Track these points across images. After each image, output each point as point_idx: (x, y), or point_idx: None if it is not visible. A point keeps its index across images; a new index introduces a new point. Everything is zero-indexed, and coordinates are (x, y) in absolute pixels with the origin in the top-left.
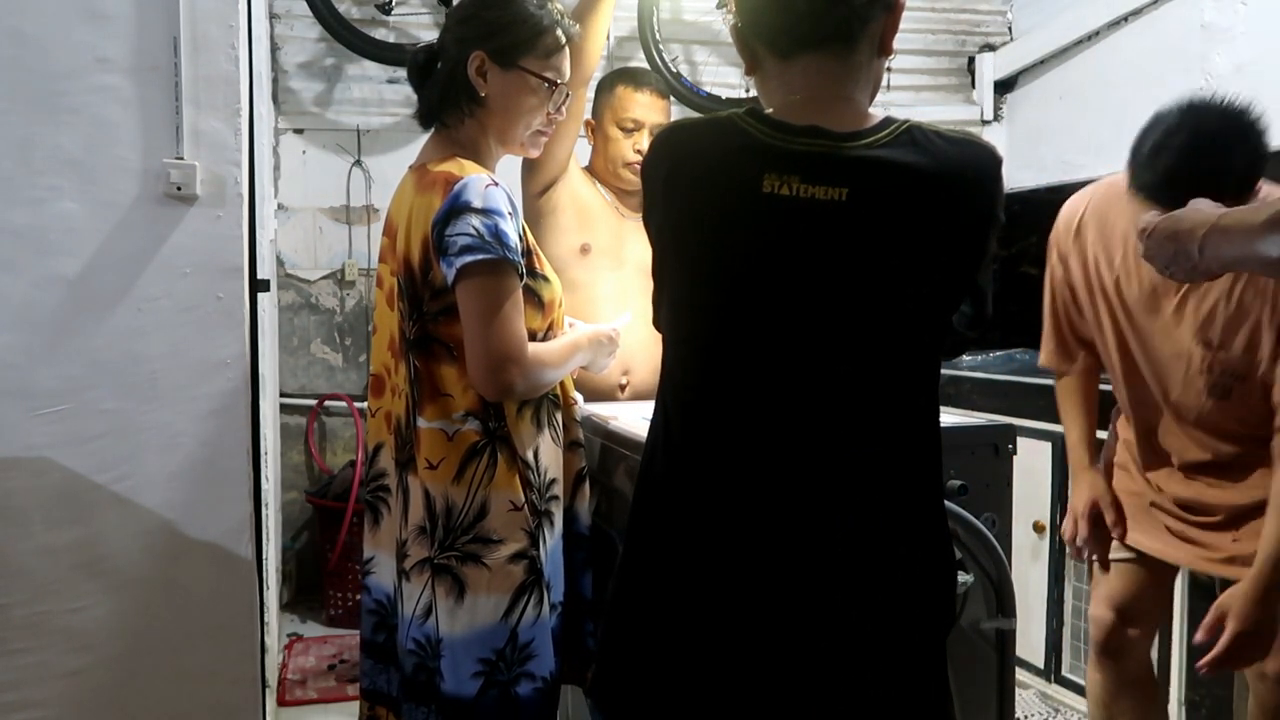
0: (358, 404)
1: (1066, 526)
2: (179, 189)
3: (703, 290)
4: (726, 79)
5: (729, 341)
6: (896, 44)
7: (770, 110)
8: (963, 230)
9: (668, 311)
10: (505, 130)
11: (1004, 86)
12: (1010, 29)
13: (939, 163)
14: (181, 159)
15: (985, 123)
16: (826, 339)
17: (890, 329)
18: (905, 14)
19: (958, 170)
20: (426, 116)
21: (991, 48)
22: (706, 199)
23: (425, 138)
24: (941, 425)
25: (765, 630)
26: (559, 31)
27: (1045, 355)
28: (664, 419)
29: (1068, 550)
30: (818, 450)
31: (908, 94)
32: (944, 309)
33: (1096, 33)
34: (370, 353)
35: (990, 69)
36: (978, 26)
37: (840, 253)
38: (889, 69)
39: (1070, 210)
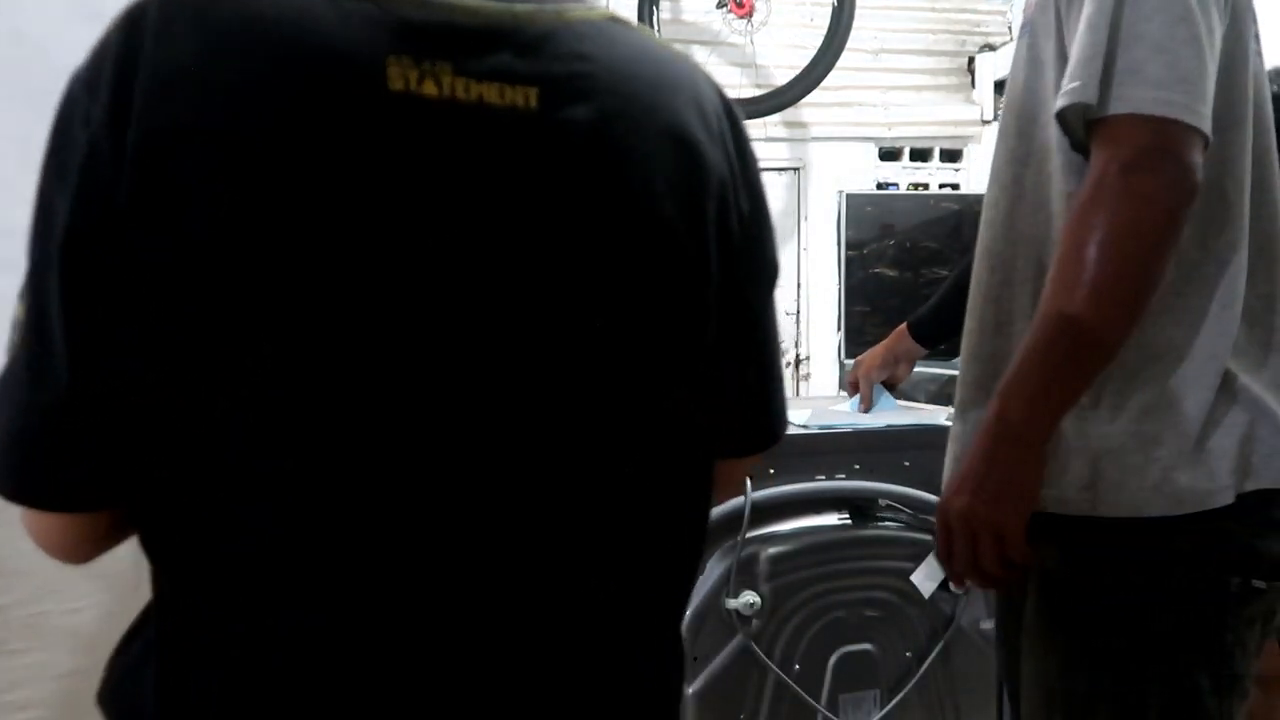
0: None
1: None
2: None
3: (295, 279)
4: (727, 79)
5: (353, 361)
6: (896, 43)
7: None
8: (707, 173)
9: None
10: None
11: (1004, 86)
12: (1010, 29)
13: (665, 68)
14: None
15: (985, 122)
16: (519, 346)
17: (614, 335)
18: (905, 14)
19: (694, 82)
20: None
21: (991, 48)
22: (277, 111)
23: None
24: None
25: None
26: None
27: None
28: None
29: None
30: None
31: (908, 94)
32: (687, 308)
33: None
34: None
35: (990, 69)
36: (978, 26)
37: (532, 200)
38: (887, 69)
39: None
